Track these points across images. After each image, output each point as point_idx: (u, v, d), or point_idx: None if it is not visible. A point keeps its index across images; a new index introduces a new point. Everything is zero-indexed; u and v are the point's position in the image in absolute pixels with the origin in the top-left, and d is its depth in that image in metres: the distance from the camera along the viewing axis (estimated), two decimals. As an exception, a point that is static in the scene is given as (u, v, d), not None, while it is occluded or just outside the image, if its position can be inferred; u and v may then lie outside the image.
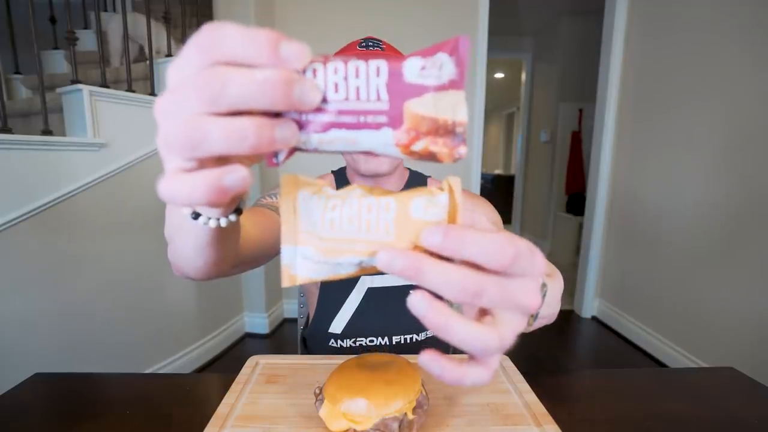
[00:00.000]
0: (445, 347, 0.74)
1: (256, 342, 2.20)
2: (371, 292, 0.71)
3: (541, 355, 2.10)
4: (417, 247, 0.23)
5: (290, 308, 2.50)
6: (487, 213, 0.75)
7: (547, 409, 0.47)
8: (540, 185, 4.27)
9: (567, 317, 2.62)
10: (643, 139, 2.16)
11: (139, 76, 1.75)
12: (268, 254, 0.59)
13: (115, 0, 2.74)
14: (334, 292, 0.72)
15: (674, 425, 0.49)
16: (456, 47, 0.20)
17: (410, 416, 0.41)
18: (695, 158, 1.82)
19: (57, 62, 2.27)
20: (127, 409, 0.51)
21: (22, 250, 1.20)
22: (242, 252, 0.49)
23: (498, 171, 7.20)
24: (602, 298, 2.55)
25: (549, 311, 0.43)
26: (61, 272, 1.31)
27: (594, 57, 2.84)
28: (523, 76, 4.41)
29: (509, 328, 0.24)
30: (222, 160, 0.21)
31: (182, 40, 1.97)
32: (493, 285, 0.22)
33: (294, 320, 2.47)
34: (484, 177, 2.59)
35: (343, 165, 0.80)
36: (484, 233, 0.22)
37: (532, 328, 0.43)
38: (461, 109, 0.21)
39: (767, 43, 1.49)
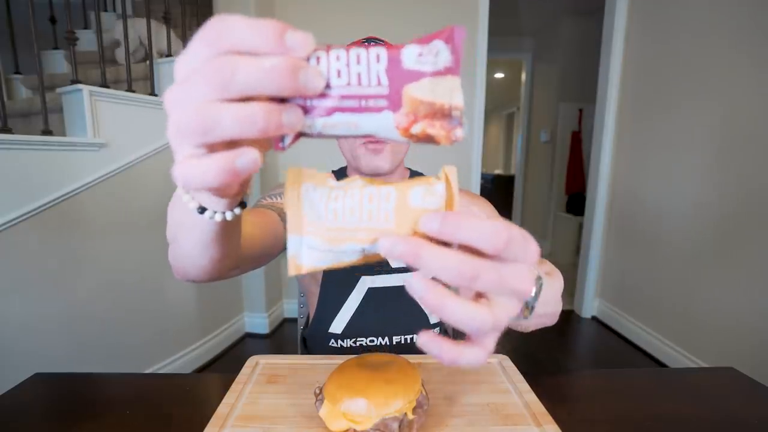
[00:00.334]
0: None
1: (256, 342, 2.20)
2: (371, 293, 0.71)
3: (541, 355, 2.10)
4: (416, 234, 0.24)
5: (290, 308, 2.50)
6: (486, 211, 0.75)
7: (547, 409, 0.47)
8: (540, 185, 4.27)
9: (567, 317, 2.62)
10: (643, 139, 2.16)
11: (139, 76, 1.75)
12: (270, 253, 0.59)
13: (115, 0, 2.74)
14: (334, 292, 0.72)
15: (674, 425, 0.49)
16: (452, 35, 0.21)
17: (410, 416, 0.41)
18: (695, 158, 1.82)
19: (57, 62, 2.27)
20: (127, 409, 0.51)
21: (23, 250, 1.20)
22: (243, 252, 0.48)
23: (498, 171, 7.20)
24: (602, 298, 2.55)
25: (548, 310, 0.43)
26: (62, 272, 1.31)
27: (594, 57, 2.84)
28: (523, 76, 4.41)
29: (503, 311, 0.24)
30: (231, 145, 0.21)
31: (182, 39, 1.97)
32: (487, 269, 0.23)
33: (294, 320, 2.47)
34: (484, 177, 2.59)
35: (343, 165, 0.80)
36: (480, 219, 0.23)
37: (531, 326, 0.44)
38: (457, 94, 0.22)
39: (766, 43, 1.49)
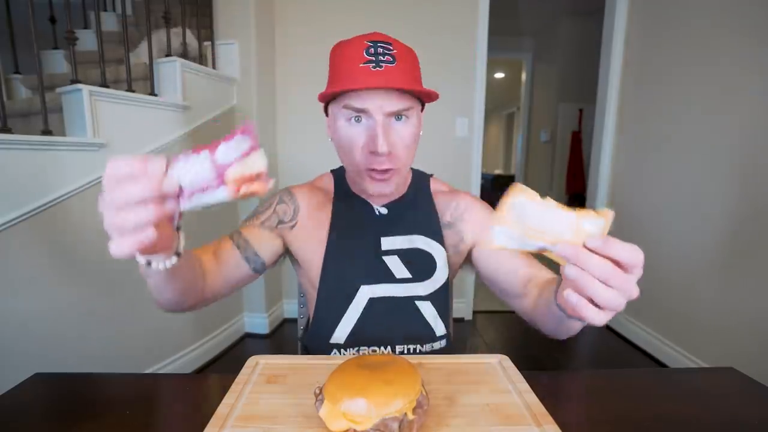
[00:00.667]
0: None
1: (256, 342, 2.20)
2: (372, 302, 0.69)
3: (541, 355, 2.11)
4: (583, 246, 0.36)
5: (290, 308, 2.50)
6: (483, 216, 0.75)
7: (547, 409, 0.47)
8: (540, 185, 4.27)
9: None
10: (643, 140, 2.16)
11: (139, 76, 1.75)
12: (233, 285, 0.68)
13: (114, 0, 2.74)
14: (333, 302, 0.70)
15: (674, 425, 0.49)
16: (245, 129, 0.36)
17: (410, 416, 0.41)
18: (695, 158, 1.82)
19: (57, 62, 2.27)
20: (127, 409, 0.51)
21: (22, 249, 1.20)
22: (208, 284, 0.61)
23: (498, 171, 7.20)
24: (602, 298, 2.55)
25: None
26: (61, 272, 1.31)
27: (594, 57, 2.84)
28: (523, 76, 4.41)
29: (618, 303, 0.36)
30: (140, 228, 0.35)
31: (182, 40, 1.97)
32: (619, 274, 0.35)
33: (294, 320, 2.47)
34: (484, 177, 2.59)
35: (339, 165, 0.79)
36: (624, 243, 0.36)
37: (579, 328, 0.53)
38: (260, 162, 0.36)
39: (767, 43, 1.49)
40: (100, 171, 1.39)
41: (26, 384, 0.57)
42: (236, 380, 0.54)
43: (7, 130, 1.17)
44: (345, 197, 0.75)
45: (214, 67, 2.03)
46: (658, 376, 0.62)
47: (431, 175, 0.81)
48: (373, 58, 0.59)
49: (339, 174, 0.78)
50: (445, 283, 0.72)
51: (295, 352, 0.80)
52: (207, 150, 0.35)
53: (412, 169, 0.79)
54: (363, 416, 0.40)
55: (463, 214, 0.75)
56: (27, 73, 2.05)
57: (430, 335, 0.70)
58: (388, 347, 0.68)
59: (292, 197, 0.75)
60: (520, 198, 0.37)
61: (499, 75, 6.62)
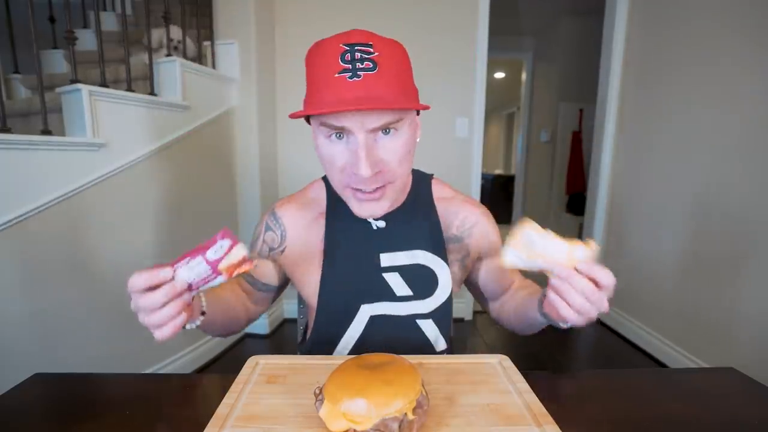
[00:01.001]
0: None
1: (256, 342, 2.20)
2: (373, 320, 0.67)
3: (541, 355, 2.11)
4: (573, 268, 0.48)
5: (290, 308, 2.50)
6: (490, 232, 0.74)
7: (547, 409, 0.47)
8: (540, 185, 4.27)
9: (567, 317, 2.62)
10: (644, 139, 2.16)
11: (139, 76, 1.75)
12: (263, 306, 0.77)
13: (114, 0, 2.74)
14: (333, 321, 0.68)
15: (674, 425, 0.49)
16: (225, 234, 0.47)
17: (410, 416, 0.41)
18: (695, 158, 1.82)
19: (56, 62, 2.26)
20: (127, 409, 0.51)
21: (22, 250, 1.20)
22: (249, 308, 0.73)
23: (498, 171, 7.20)
24: (602, 298, 2.55)
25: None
26: (61, 272, 1.31)
27: (594, 57, 2.84)
28: (523, 76, 4.40)
29: (591, 314, 0.49)
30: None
31: (182, 40, 1.97)
32: (597, 292, 0.47)
33: (294, 320, 2.47)
34: (484, 177, 2.58)
35: None
36: (603, 269, 0.47)
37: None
38: (242, 252, 0.47)
39: (767, 43, 1.49)
40: (100, 171, 1.40)
41: (26, 384, 0.57)
42: (236, 380, 0.54)
43: (7, 130, 1.17)
44: (338, 209, 0.68)
45: (214, 67, 2.03)
46: (658, 376, 0.62)
47: (432, 176, 0.76)
48: (350, 66, 0.51)
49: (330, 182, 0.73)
50: (447, 300, 0.69)
51: (294, 353, 0.80)
52: (200, 255, 0.47)
53: (412, 170, 0.75)
54: (363, 416, 0.40)
55: (472, 229, 0.72)
56: (27, 73, 2.04)
57: (430, 352, 0.69)
58: None
59: (277, 222, 0.70)
60: (528, 229, 0.48)
61: (499, 75, 6.62)
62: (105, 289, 1.45)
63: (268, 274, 0.72)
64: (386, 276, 0.67)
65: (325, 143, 0.57)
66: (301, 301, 0.92)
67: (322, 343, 0.69)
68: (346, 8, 2.26)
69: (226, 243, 0.47)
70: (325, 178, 0.74)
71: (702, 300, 1.77)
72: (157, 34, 1.83)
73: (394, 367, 0.45)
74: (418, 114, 0.63)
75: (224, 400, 0.49)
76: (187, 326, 0.53)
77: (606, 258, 2.51)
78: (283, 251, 0.70)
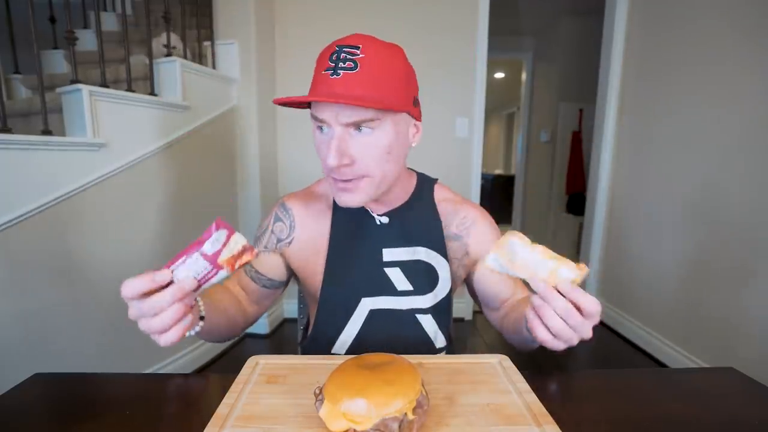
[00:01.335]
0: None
1: (256, 342, 2.20)
2: (373, 314, 0.68)
3: (541, 355, 2.10)
4: (553, 287, 0.46)
5: (290, 308, 2.50)
6: (489, 232, 0.74)
7: (547, 409, 0.47)
8: (540, 185, 4.28)
9: (567, 317, 2.62)
10: (644, 139, 2.16)
11: (139, 76, 1.75)
12: (264, 305, 0.75)
13: (114, 0, 2.74)
14: (335, 313, 0.69)
15: (674, 425, 0.49)
16: (219, 224, 0.44)
17: (410, 416, 0.41)
18: (695, 158, 1.82)
19: (57, 62, 2.26)
20: (127, 409, 0.51)
21: (22, 249, 1.20)
22: (248, 311, 0.72)
23: (498, 171, 7.20)
24: (602, 298, 2.55)
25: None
26: (61, 272, 1.31)
27: (594, 57, 2.84)
28: (523, 76, 4.40)
29: (571, 340, 0.48)
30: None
31: (182, 40, 1.97)
32: (576, 316, 0.46)
33: (294, 320, 2.47)
34: (484, 177, 2.58)
35: None
36: (588, 295, 0.46)
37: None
38: (241, 241, 0.45)
39: (767, 43, 1.49)
40: (100, 171, 1.41)
41: (26, 384, 0.57)
42: (236, 380, 0.54)
43: (7, 130, 1.17)
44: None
45: (214, 67, 2.03)
46: (658, 376, 0.62)
47: (436, 180, 0.78)
48: (333, 65, 0.56)
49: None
50: (446, 296, 0.71)
51: (295, 353, 0.80)
52: (196, 251, 0.44)
53: (417, 173, 0.77)
54: (363, 416, 0.40)
55: (470, 228, 0.73)
56: (27, 73, 2.05)
57: (429, 348, 0.70)
58: None
59: (287, 212, 0.73)
60: (514, 239, 0.47)
61: (499, 75, 6.62)
62: (105, 289, 1.45)
63: (274, 268, 0.72)
64: (387, 271, 0.69)
65: (316, 134, 0.62)
66: (302, 300, 0.92)
67: (323, 336, 0.70)
68: (346, 8, 2.26)
69: (222, 234, 0.44)
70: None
71: (702, 300, 1.77)
72: (155, 42, 1.84)
73: (394, 367, 0.45)
74: (419, 119, 0.66)
75: (224, 400, 0.49)
76: (186, 333, 0.52)
77: (606, 258, 2.51)
78: (291, 242, 0.72)
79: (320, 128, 0.60)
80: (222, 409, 0.47)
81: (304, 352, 0.77)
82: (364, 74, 0.55)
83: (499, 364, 0.59)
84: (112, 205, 1.46)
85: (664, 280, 2.00)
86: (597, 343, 2.30)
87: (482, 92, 2.37)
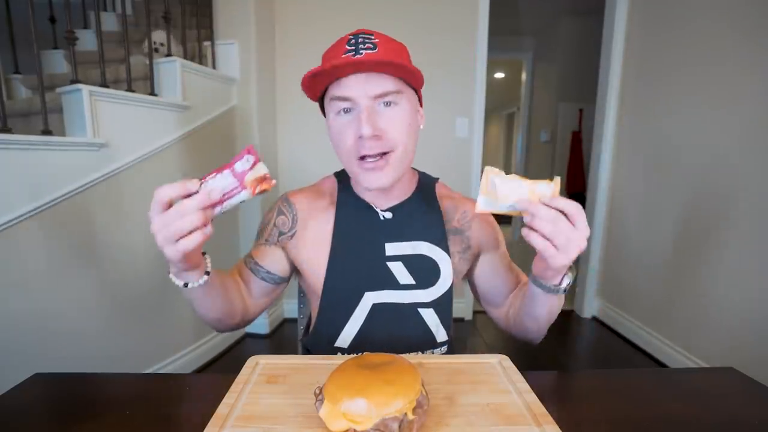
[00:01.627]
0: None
1: (256, 342, 2.20)
2: (375, 308, 0.69)
3: (541, 355, 2.10)
4: (538, 202, 0.50)
5: (290, 308, 2.50)
6: (489, 226, 0.76)
7: (547, 409, 0.47)
8: (540, 185, 4.27)
9: (567, 317, 2.62)
10: (644, 139, 2.16)
11: (139, 76, 1.75)
12: (264, 301, 0.74)
13: (115, 0, 2.74)
14: (337, 308, 0.69)
15: (674, 425, 0.49)
16: (249, 150, 0.49)
17: (410, 416, 0.41)
18: (695, 158, 1.82)
19: (57, 62, 2.27)
20: (127, 409, 0.51)
21: (22, 250, 1.20)
22: (247, 304, 0.70)
23: (498, 171, 7.19)
24: (602, 298, 2.55)
25: (554, 312, 0.62)
26: (61, 272, 1.31)
27: (594, 57, 2.84)
28: (523, 76, 4.41)
29: (568, 253, 0.50)
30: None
31: (182, 40, 1.97)
32: (565, 222, 0.49)
33: (294, 320, 2.47)
34: (484, 177, 2.61)
35: (338, 165, 0.77)
36: (567, 199, 0.49)
37: (545, 319, 0.63)
38: (264, 169, 0.49)
39: (767, 43, 1.49)
40: (100, 171, 1.41)
41: (26, 384, 0.57)
42: (236, 380, 0.54)
43: (7, 130, 1.17)
44: (348, 201, 0.73)
45: (214, 67, 2.03)
46: (658, 376, 0.62)
47: (437, 179, 0.79)
48: (353, 48, 0.59)
49: (342, 177, 0.76)
50: (448, 291, 0.71)
51: (295, 352, 0.80)
52: (228, 169, 0.48)
53: (418, 171, 0.78)
54: (363, 416, 0.40)
55: (471, 222, 0.75)
56: (27, 73, 2.05)
57: (431, 342, 0.70)
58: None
59: (290, 206, 0.73)
60: (491, 175, 0.51)
61: (499, 75, 6.62)
62: (105, 289, 1.45)
63: (275, 261, 0.72)
64: (390, 265, 0.70)
65: (335, 120, 0.63)
66: (302, 300, 0.92)
67: (326, 331, 0.70)
68: (346, 8, 2.26)
69: (251, 158, 0.49)
70: (337, 174, 0.77)
71: (702, 300, 1.77)
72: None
73: (394, 367, 0.45)
74: (421, 105, 0.70)
75: (224, 400, 0.49)
76: (189, 284, 0.54)
77: (606, 258, 2.51)
78: (293, 236, 0.72)
79: (344, 111, 0.61)
80: (222, 409, 0.47)
81: (306, 348, 0.77)
82: (382, 53, 0.59)
83: (499, 364, 0.59)
84: (112, 205, 1.46)
85: (664, 280, 2.00)
86: (597, 343, 2.30)
87: (482, 92, 2.37)
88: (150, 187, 1.60)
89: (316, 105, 0.69)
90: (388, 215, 0.71)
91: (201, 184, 0.48)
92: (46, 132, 1.28)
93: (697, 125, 1.81)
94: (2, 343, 1.16)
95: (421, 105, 0.70)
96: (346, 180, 0.75)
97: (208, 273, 0.56)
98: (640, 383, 0.60)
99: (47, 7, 2.10)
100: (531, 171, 4.47)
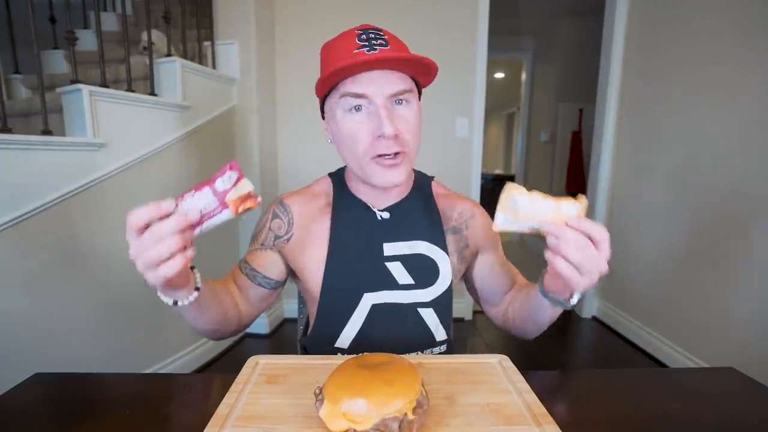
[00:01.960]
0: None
1: (256, 342, 2.20)
2: (375, 309, 0.68)
3: (541, 355, 2.10)
4: (564, 225, 0.47)
5: (290, 308, 2.50)
6: (486, 225, 0.76)
7: (547, 409, 0.47)
8: (540, 185, 4.27)
9: (567, 317, 2.62)
10: (644, 139, 2.16)
11: (139, 76, 1.75)
12: (259, 307, 0.73)
13: (115, 0, 2.74)
14: (337, 310, 0.69)
15: (674, 425, 0.49)
16: (233, 165, 0.46)
17: (410, 416, 0.41)
18: (695, 158, 1.82)
19: (57, 62, 2.27)
20: (127, 409, 0.51)
21: (22, 250, 1.20)
22: (241, 311, 0.69)
23: (498, 171, 7.20)
24: (602, 298, 2.55)
25: (555, 314, 0.60)
26: (61, 272, 1.31)
27: (594, 57, 2.84)
28: (523, 76, 4.41)
29: (590, 277, 0.48)
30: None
31: (182, 40, 1.97)
32: (590, 246, 0.47)
33: (294, 320, 2.47)
34: (484, 177, 2.58)
35: (339, 166, 0.76)
36: (595, 223, 0.47)
37: (550, 320, 0.62)
38: (248, 186, 0.46)
39: (767, 42, 1.49)
40: (100, 171, 1.41)
41: (26, 384, 0.57)
42: (236, 380, 0.54)
43: (7, 130, 1.17)
44: (345, 202, 0.72)
45: (214, 67, 2.03)
46: (658, 376, 0.62)
47: (433, 178, 0.79)
48: (366, 43, 0.58)
49: (338, 177, 0.75)
50: (447, 290, 0.71)
51: (295, 352, 0.80)
52: (207, 186, 0.45)
53: (414, 170, 0.77)
54: (363, 416, 0.40)
55: (469, 221, 0.75)
56: (27, 73, 2.05)
57: (430, 341, 0.70)
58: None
59: (285, 209, 0.72)
60: (512, 191, 0.48)
61: (499, 75, 6.62)
62: (105, 289, 1.45)
63: (272, 266, 0.71)
64: (389, 265, 0.69)
65: (345, 118, 0.61)
66: (301, 300, 0.92)
67: (325, 333, 0.70)
68: (346, 8, 2.26)
69: (234, 174, 0.45)
70: (331, 175, 0.76)
71: (702, 300, 1.77)
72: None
73: (394, 367, 0.45)
74: (419, 100, 0.69)
75: (224, 400, 0.49)
76: (179, 302, 0.52)
77: (606, 258, 2.51)
78: (289, 239, 0.71)
79: (357, 108, 0.60)
80: (222, 409, 0.47)
81: (305, 349, 0.77)
82: (395, 49, 0.59)
83: (499, 364, 0.59)
84: (112, 205, 1.46)
85: (664, 280, 2.00)
86: (597, 343, 2.30)
87: (482, 92, 2.37)
88: (150, 187, 1.61)
89: (316, 105, 0.69)
90: (386, 215, 0.71)
91: (177, 204, 0.44)
92: (46, 132, 1.28)
93: (697, 125, 1.81)
94: (2, 343, 1.16)
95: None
96: (342, 180, 0.74)
97: (198, 289, 0.54)
98: (640, 383, 0.60)
99: (47, 7, 2.10)
100: (531, 171, 4.47)
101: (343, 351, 0.69)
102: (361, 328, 0.68)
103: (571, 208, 0.47)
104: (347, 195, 0.72)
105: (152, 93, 1.65)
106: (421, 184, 0.76)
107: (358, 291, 0.68)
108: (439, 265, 0.71)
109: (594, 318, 2.59)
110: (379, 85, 0.58)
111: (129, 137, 1.51)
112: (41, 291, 1.25)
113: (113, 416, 0.50)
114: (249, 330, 2.27)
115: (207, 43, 2.02)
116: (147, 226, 0.43)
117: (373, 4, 2.26)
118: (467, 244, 0.74)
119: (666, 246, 1.99)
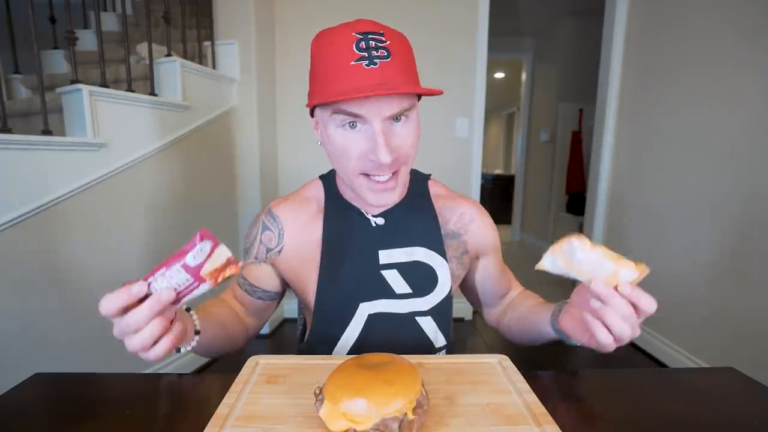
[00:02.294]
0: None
1: (256, 342, 2.20)
2: (372, 319, 0.66)
3: (541, 356, 2.10)
4: (614, 287, 0.46)
5: (290, 308, 2.50)
6: (487, 229, 0.74)
7: (547, 409, 0.47)
8: (540, 185, 4.28)
9: (567, 317, 2.61)
10: (643, 139, 2.16)
11: (139, 76, 1.75)
12: (263, 317, 0.75)
13: (115, 0, 2.74)
14: (332, 321, 0.67)
15: (674, 425, 0.49)
16: (205, 234, 0.41)
17: (410, 416, 0.41)
18: (695, 158, 1.82)
19: (57, 62, 2.27)
20: (127, 409, 0.51)
21: (22, 250, 1.20)
22: (247, 325, 0.72)
23: (498, 171, 7.20)
24: (602, 298, 2.54)
25: None
26: (61, 272, 1.31)
27: (594, 57, 2.84)
28: (523, 76, 4.41)
29: (627, 337, 0.47)
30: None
31: (182, 40, 1.97)
32: (634, 316, 0.46)
33: (294, 320, 2.47)
34: (484, 177, 2.58)
35: (331, 168, 0.73)
36: (648, 296, 0.45)
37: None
38: (225, 254, 0.42)
39: (767, 43, 1.49)
40: (100, 171, 1.41)
41: (26, 384, 0.57)
42: (236, 380, 0.54)
43: (7, 130, 1.17)
44: (336, 207, 0.68)
45: (214, 67, 2.03)
46: (658, 376, 0.62)
47: (429, 176, 0.76)
48: (366, 54, 0.52)
49: (329, 180, 0.72)
50: (446, 297, 0.69)
51: (294, 353, 0.79)
52: (177, 262, 0.41)
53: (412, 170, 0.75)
54: (363, 416, 0.40)
55: (469, 224, 0.71)
56: (27, 73, 2.05)
57: (428, 349, 0.69)
58: None
59: (274, 220, 0.69)
60: (575, 241, 0.47)
61: (499, 75, 6.62)
62: (106, 288, 1.44)
63: (267, 279, 0.70)
64: (385, 273, 0.66)
65: (337, 132, 0.57)
66: (300, 300, 0.91)
67: (321, 342, 0.68)
68: (346, 8, 2.26)
69: (206, 245, 0.41)
70: (322, 177, 0.74)
71: (702, 300, 1.77)
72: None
73: (394, 366, 0.45)
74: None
75: (224, 400, 0.49)
76: (182, 349, 0.52)
77: (606, 258, 2.50)
78: (281, 251, 0.68)
79: (351, 125, 0.55)
80: (222, 409, 0.47)
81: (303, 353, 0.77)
82: (397, 62, 0.53)
83: (499, 364, 0.59)
84: (113, 205, 1.46)
85: (664, 280, 2.00)
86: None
87: (482, 92, 2.37)
88: (150, 186, 1.61)
89: None
90: (380, 221, 0.67)
91: (149, 284, 0.41)
92: (46, 132, 1.28)
93: (697, 125, 1.81)
94: (2, 343, 1.16)
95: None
96: (333, 184, 0.71)
97: (198, 333, 0.53)
98: (640, 383, 0.59)
99: (47, 7, 2.10)
100: (531, 171, 4.48)
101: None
102: (358, 338, 0.66)
103: (629, 274, 0.45)
104: (339, 200, 0.69)
105: (152, 93, 1.65)
106: (417, 185, 0.72)
107: (354, 301, 0.66)
108: (437, 272, 0.68)
109: (594, 318, 2.58)
110: (377, 107, 0.53)
111: (129, 137, 1.51)
112: (41, 291, 1.25)
113: (113, 416, 0.50)
114: (249, 330, 2.27)
115: (207, 43, 2.02)
116: (126, 310, 0.41)
117: (373, 4, 2.27)
118: (466, 250, 0.72)
119: (665, 246, 1.99)
